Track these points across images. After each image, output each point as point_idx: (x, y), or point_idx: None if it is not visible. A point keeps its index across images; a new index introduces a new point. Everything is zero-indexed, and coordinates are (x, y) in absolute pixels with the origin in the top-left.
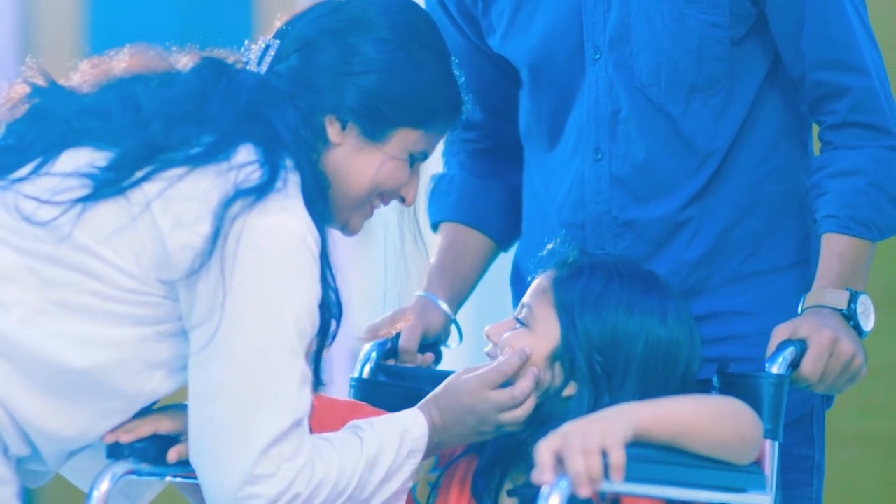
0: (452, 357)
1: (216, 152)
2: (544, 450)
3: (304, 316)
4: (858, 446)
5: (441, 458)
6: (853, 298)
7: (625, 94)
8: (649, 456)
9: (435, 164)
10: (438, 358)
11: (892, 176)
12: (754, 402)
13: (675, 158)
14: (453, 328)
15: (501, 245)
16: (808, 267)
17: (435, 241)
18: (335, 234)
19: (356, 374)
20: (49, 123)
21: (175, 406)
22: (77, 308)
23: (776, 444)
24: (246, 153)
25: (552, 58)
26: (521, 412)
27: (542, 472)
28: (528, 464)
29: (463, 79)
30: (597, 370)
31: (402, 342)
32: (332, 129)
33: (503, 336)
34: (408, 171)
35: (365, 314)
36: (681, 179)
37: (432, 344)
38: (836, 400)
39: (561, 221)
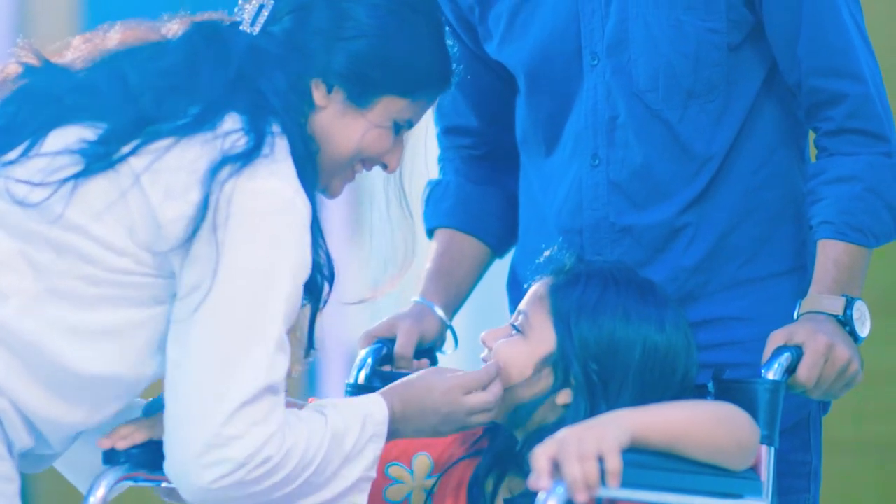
0: (448, 363)
1: (202, 122)
2: (540, 456)
3: (293, 278)
4: (854, 452)
5: (437, 464)
6: (849, 304)
7: (622, 99)
8: (645, 462)
9: (431, 169)
10: (434, 364)
11: (888, 182)
12: (750, 407)
13: (673, 164)
14: (449, 334)
15: (497, 251)
16: (805, 273)
17: (430, 247)
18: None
19: (352, 380)
20: (40, 102)
21: None
22: (71, 295)
23: (772, 449)
24: (232, 122)
25: (549, 63)
26: (489, 417)
27: (539, 478)
28: (525, 471)
29: (455, 49)
30: (593, 378)
31: (397, 348)
32: (318, 93)
33: (497, 343)
34: (392, 138)
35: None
36: (678, 185)
37: (428, 350)
38: (832, 406)
39: (558, 227)
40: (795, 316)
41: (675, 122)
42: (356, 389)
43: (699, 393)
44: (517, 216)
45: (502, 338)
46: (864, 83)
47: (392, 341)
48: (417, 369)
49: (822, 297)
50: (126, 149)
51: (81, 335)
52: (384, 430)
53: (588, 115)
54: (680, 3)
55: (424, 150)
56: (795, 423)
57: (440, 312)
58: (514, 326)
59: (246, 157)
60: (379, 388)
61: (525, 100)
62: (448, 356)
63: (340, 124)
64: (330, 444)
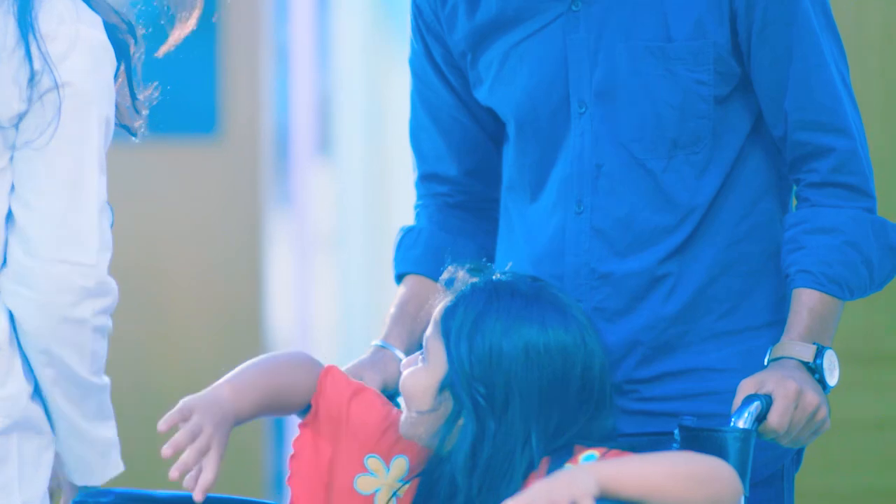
0: None
1: None
2: None
3: (111, 98)
4: (821, 503)
5: (412, 469)
6: (819, 352)
7: (608, 147)
8: None
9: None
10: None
11: (868, 238)
12: (720, 456)
13: (656, 214)
14: None
15: None
16: (783, 328)
17: (397, 292)
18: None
19: None
20: None
21: None
22: None
23: (743, 499)
24: None
25: (537, 110)
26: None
27: None
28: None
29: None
30: (478, 399)
31: None
32: None
33: (403, 374)
34: None
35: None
36: (660, 235)
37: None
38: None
39: (539, 273)
40: (766, 361)
41: (659, 172)
42: None
43: (663, 440)
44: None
45: (411, 366)
46: (852, 138)
47: None
48: None
49: (793, 343)
50: None
51: None
52: None
53: (574, 162)
54: (669, 54)
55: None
56: (770, 475)
57: (402, 357)
58: (421, 355)
59: None
60: None
61: (513, 145)
62: None
63: None
64: None
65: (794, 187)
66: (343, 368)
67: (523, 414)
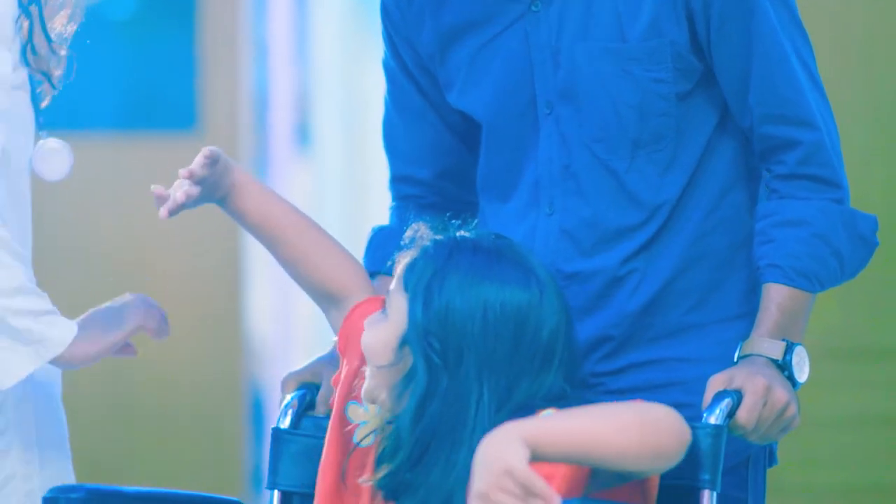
0: None
1: None
2: None
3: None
4: (802, 498)
5: None
6: (789, 349)
7: (574, 148)
8: None
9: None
10: None
11: (837, 229)
12: (692, 452)
13: (621, 214)
14: None
15: None
16: (753, 319)
17: None
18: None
19: (276, 425)
20: None
21: None
22: None
23: (714, 494)
24: None
25: (505, 112)
26: None
27: None
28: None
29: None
30: (431, 355)
31: (321, 396)
32: None
33: (363, 333)
34: None
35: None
36: (626, 234)
37: None
38: (780, 452)
39: None
40: (735, 358)
41: (622, 172)
42: (282, 434)
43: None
44: None
45: (373, 322)
46: (817, 130)
47: (316, 387)
48: None
49: (762, 340)
50: None
51: None
52: None
53: (544, 163)
54: (625, 54)
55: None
56: (736, 464)
57: None
58: (383, 311)
59: None
60: (306, 433)
61: (485, 147)
62: None
63: None
64: None
65: (765, 176)
66: (301, 365)
67: (477, 371)
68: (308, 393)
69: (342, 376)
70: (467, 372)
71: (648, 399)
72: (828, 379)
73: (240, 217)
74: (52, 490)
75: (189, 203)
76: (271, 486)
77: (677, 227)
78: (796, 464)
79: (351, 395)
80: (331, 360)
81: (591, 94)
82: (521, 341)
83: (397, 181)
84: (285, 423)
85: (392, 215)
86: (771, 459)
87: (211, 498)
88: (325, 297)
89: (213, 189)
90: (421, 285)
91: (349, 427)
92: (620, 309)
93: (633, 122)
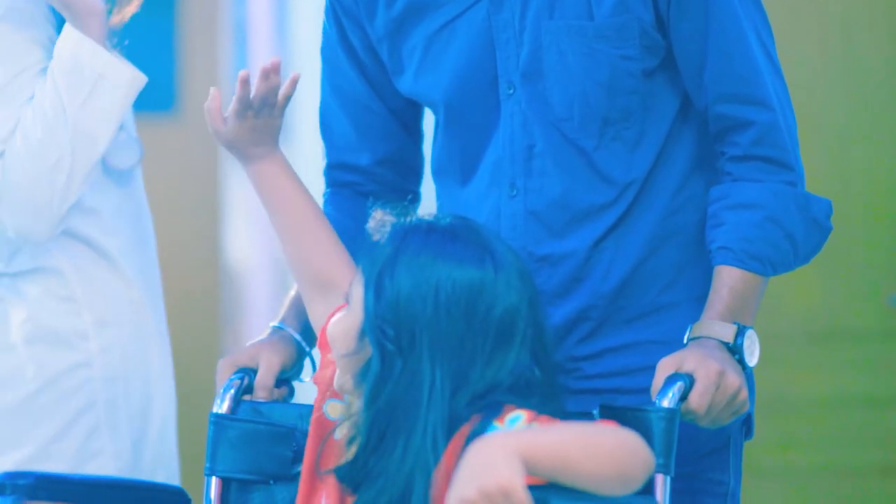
0: (306, 390)
1: None
2: None
3: None
4: (780, 479)
5: None
6: (740, 332)
7: (539, 128)
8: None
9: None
10: (291, 392)
11: (791, 212)
12: (645, 436)
13: (591, 192)
14: (307, 361)
15: None
16: None
17: None
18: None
19: (215, 410)
20: None
21: None
22: None
23: (668, 478)
24: None
25: (466, 93)
26: None
27: None
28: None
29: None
30: (385, 343)
31: (259, 379)
32: None
33: (330, 321)
34: None
35: None
36: (597, 212)
37: (287, 377)
38: (758, 434)
39: None
40: (685, 340)
41: (591, 150)
42: (220, 420)
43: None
44: None
45: (338, 313)
46: (772, 111)
47: (253, 371)
48: (277, 398)
49: (713, 322)
50: None
51: None
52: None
53: (505, 144)
54: (592, 32)
55: None
56: (717, 446)
57: (298, 338)
58: (347, 302)
59: None
60: (244, 417)
61: (442, 131)
62: (306, 384)
63: None
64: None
65: (720, 158)
66: (239, 350)
67: (430, 353)
68: (245, 377)
69: (326, 374)
70: (420, 355)
71: (628, 384)
72: (807, 360)
73: (262, 180)
74: (1, 476)
75: (241, 112)
76: (209, 473)
77: (646, 205)
78: (775, 445)
79: (330, 392)
80: (270, 344)
81: (557, 72)
82: (472, 320)
83: (334, 168)
84: (223, 409)
85: (327, 202)
86: (748, 433)
87: (154, 485)
88: (317, 286)
89: (261, 133)
90: (373, 274)
91: (330, 423)
92: (595, 290)
93: (602, 99)
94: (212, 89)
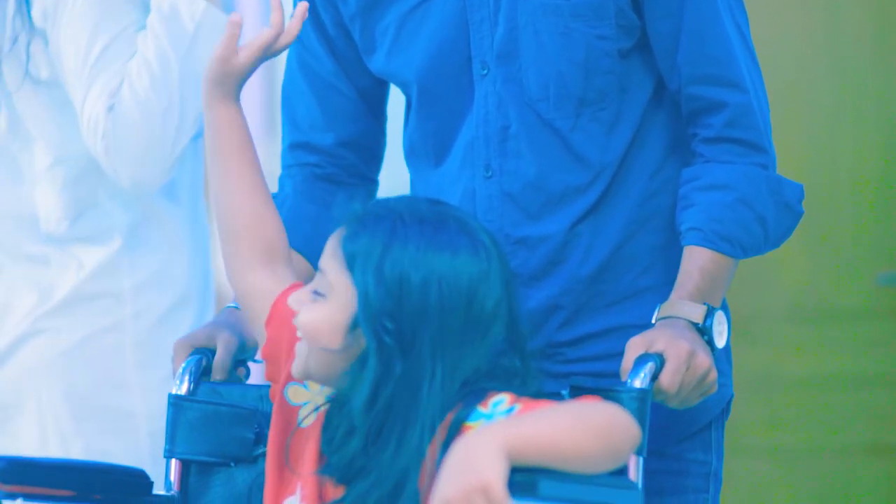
0: (261, 371)
1: None
2: None
3: None
4: (766, 459)
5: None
6: (710, 313)
7: (514, 109)
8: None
9: None
10: (248, 373)
11: (762, 194)
12: None
13: (567, 174)
14: None
15: None
16: None
17: None
18: None
19: (174, 391)
20: None
21: None
22: None
23: (641, 459)
24: None
25: (439, 74)
26: None
27: None
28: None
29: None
30: (384, 339)
31: (217, 360)
32: None
33: (299, 315)
34: None
35: None
36: (573, 195)
37: (242, 359)
38: (746, 413)
39: None
40: (654, 319)
41: (567, 131)
42: (179, 401)
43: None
44: None
45: (306, 303)
46: (745, 92)
47: (211, 352)
48: (235, 379)
49: (683, 302)
50: None
51: None
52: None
53: (479, 125)
54: (568, 11)
55: None
56: (701, 427)
57: None
58: (315, 291)
59: None
60: (204, 399)
61: (415, 112)
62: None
63: None
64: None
65: (692, 140)
66: (196, 329)
67: (431, 349)
68: (203, 358)
69: (278, 353)
70: (421, 351)
71: (610, 368)
72: (795, 340)
73: (232, 125)
74: None
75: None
76: (168, 455)
77: (624, 188)
78: (761, 425)
79: (286, 376)
80: (228, 324)
81: (532, 52)
82: (470, 313)
83: (294, 148)
84: (182, 390)
85: (284, 183)
86: (726, 412)
87: (117, 467)
88: (266, 254)
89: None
90: (371, 262)
91: (293, 408)
92: (572, 274)
93: (578, 79)
94: (233, 14)
